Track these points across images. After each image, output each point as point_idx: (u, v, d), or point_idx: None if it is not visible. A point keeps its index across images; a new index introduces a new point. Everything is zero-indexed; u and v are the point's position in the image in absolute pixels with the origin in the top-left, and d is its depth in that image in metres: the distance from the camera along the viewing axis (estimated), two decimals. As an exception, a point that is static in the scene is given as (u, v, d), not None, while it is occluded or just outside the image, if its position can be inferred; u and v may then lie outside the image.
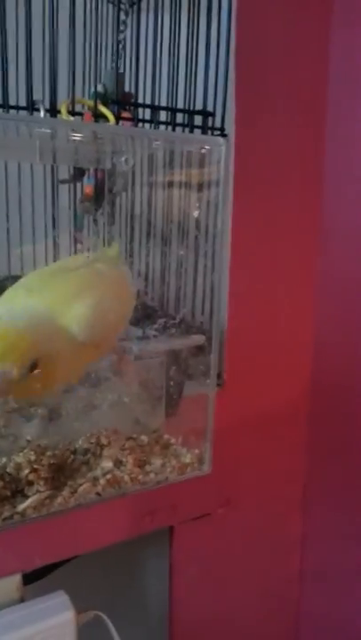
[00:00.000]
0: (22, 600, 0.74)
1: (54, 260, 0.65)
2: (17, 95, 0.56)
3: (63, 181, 0.79)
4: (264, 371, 0.77)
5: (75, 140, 0.54)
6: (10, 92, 0.53)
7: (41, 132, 0.49)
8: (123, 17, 0.77)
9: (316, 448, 0.82)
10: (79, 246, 0.82)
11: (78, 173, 0.79)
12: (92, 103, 0.59)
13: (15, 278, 0.48)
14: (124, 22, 0.77)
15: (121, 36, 0.77)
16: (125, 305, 0.51)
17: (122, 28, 0.77)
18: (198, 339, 0.61)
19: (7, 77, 0.52)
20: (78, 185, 0.80)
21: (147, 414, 0.52)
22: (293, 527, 0.89)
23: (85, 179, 0.75)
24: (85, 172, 0.78)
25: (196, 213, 0.62)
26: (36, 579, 0.76)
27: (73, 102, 0.57)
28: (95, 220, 0.74)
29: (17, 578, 0.74)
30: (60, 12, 0.54)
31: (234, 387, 0.74)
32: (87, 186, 0.76)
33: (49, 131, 0.46)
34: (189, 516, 0.81)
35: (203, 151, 0.52)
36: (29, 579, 0.75)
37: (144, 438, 0.49)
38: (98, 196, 0.77)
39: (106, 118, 0.59)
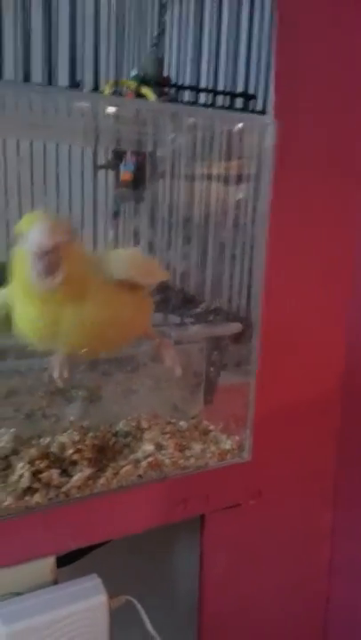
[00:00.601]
0: (56, 582, 0.75)
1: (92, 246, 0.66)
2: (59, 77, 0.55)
3: (101, 167, 0.79)
4: (298, 361, 0.76)
5: (117, 119, 0.54)
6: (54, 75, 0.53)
7: (84, 107, 0.49)
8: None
9: (349, 440, 0.81)
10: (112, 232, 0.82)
11: (116, 159, 0.79)
12: (134, 84, 0.59)
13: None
14: (165, 5, 0.76)
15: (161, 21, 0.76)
16: (154, 265, 0.54)
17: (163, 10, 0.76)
18: (236, 326, 0.60)
19: (52, 59, 0.52)
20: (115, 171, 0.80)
21: (185, 400, 0.52)
22: (324, 520, 0.88)
23: (122, 165, 0.74)
24: (123, 157, 0.78)
25: (237, 196, 0.61)
26: (69, 562, 0.77)
27: (117, 83, 0.56)
28: (136, 201, 0.74)
29: (51, 560, 0.74)
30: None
31: (267, 377, 0.73)
32: (124, 172, 0.76)
33: (89, 104, 0.45)
34: (221, 506, 0.80)
35: (243, 129, 0.51)
36: (63, 561, 0.76)
37: (183, 424, 0.48)
38: (137, 182, 0.76)
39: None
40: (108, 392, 0.54)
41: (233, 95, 0.62)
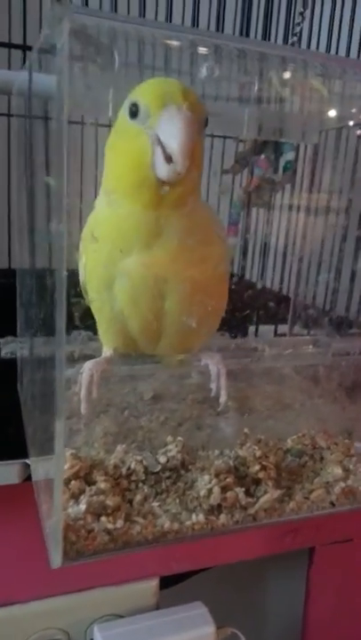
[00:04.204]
0: (158, 606, 0.70)
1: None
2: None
3: (226, 171, 0.77)
4: None
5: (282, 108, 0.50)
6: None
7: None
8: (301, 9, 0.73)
9: None
10: (232, 239, 0.79)
11: (240, 165, 0.76)
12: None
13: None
14: (301, 14, 0.73)
15: (297, 29, 0.74)
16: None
17: (298, 20, 0.73)
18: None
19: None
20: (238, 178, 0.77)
21: (351, 419, 0.47)
22: None
23: (256, 170, 0.71)
24: (248, 163, 0.75)
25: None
26: (168, 585, 0.72)
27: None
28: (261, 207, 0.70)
29: (154, 582, 0.70)
30: None
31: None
32: (255, 177, 0.72)
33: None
34: (332, 540, 0.75)
35: None
36: (163, 584, 0.71)
37: (359, 446, 0.43)
38: (261, 190, 0.73)
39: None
40: (258, 404, 0.49)
41: None
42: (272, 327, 0.66)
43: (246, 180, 0.73)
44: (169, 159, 0.31)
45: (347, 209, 0.64)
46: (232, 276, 0.78)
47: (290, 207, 0.71)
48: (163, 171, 0.32)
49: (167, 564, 0.68)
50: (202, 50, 0.37)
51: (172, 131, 0.30)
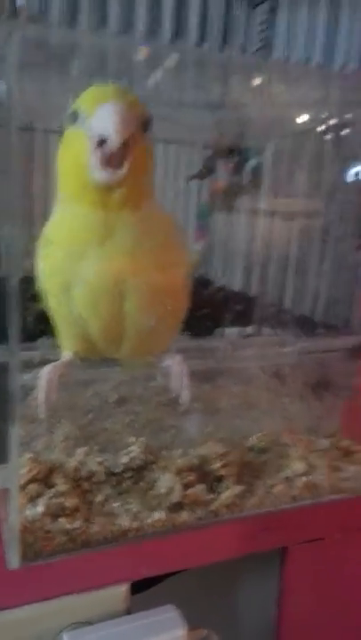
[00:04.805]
0: (129, 611, 0.69)
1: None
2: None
3: (193, 177, 0.77)
4: None
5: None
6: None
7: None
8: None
9: None
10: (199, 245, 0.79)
11: (207, 171, 0.76)
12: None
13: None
14: (265, 21, 0.75)
15: (262, 36, 0.75)
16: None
17: (262, 27, 0.75)
18: (352, 339, 0.56)
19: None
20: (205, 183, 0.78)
21: (316, 416, 0.48)
22: None
23: (222, 175, 0.72)
24: (214, 169, 0.76)
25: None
26: (140, 589, 0.72)
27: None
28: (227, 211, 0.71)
29: (124, 587, 0.69)
30: None
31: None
32: (218, 181, 0.73)
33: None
34: (305, 538, 0.75)
35: None
36: (134, 589, 0.70)
37: (324, 442, 0.44)
38: (228, 194, 0.74)
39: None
40: (224, 404, 0.50)
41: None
42: (238, 329, 0.67)
43: (213, 184, 0.73)
44: (104, 162, 0.31)
45: (311, 212, 0.65)
46: (203, 280, 0.79)
47: (255, 211, 0.71)
48: (98, 173, 0.32)
49: (137, 569, 0.68)
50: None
51: (105, 116, 0.31)
